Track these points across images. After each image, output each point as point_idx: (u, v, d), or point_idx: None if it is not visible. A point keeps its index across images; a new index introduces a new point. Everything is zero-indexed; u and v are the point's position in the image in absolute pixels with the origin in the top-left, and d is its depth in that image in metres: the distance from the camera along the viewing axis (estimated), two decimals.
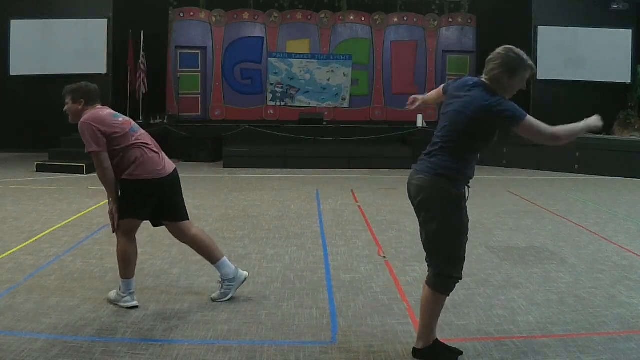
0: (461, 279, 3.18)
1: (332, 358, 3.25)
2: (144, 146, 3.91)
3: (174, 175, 4.02)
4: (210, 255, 4.12)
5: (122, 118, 3.98)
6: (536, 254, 5.42)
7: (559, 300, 4.16)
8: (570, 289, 4.43)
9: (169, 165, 4.02)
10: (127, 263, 3.93)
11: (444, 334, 3.54)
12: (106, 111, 3.95)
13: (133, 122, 4.05)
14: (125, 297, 3.93)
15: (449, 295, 3.20)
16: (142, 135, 3.98)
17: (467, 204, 3.13)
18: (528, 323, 3.74)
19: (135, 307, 3.92)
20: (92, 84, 4.03)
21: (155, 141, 4.06)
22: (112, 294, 4.01)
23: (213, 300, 4.07)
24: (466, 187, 3.13)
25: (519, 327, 3.68)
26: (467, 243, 3.17)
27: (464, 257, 3.17)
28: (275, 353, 3.29)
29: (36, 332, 3.51)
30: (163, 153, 4.06)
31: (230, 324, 3.69)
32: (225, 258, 4.13)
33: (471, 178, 3.17)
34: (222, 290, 4.10)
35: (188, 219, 4.10)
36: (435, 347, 3.22)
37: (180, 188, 4.10)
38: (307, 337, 3.52)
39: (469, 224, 3.18)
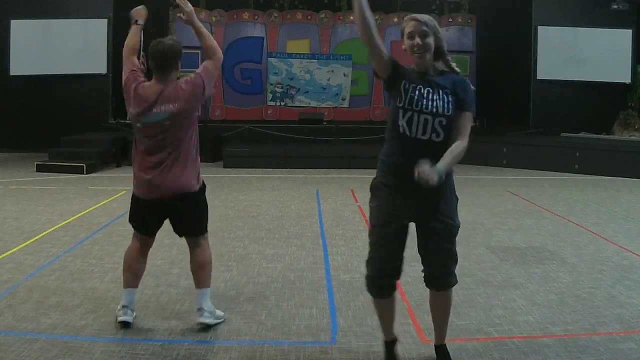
0: (376, 282, 3.11)
1: (332, 358, 3.24)
2: None
3: None
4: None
5: None
6: (536, 254, 5.41)
7: (559, 300, 4.16)
8: (570, 289, 4.43)
9: None
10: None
11: None
12: None
13: None
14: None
15: (373, 297, 3.12)
16: None
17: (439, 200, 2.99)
18: (528, 323, 3.74)
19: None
20: None
21: None
22: (210, 317, 3.61)
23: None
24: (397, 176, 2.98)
25: (519, 327, 3.68)
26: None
27: (375, 256, 3.12)
28: (275, 353, 3.29)
29: (36, 332, 3.50)
30: None
31: (230, 324, 3.69)
32: None
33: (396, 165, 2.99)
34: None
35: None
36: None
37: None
38: (307, 337, 3.52)
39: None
